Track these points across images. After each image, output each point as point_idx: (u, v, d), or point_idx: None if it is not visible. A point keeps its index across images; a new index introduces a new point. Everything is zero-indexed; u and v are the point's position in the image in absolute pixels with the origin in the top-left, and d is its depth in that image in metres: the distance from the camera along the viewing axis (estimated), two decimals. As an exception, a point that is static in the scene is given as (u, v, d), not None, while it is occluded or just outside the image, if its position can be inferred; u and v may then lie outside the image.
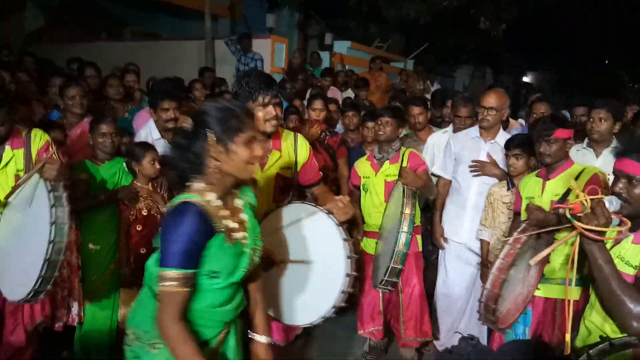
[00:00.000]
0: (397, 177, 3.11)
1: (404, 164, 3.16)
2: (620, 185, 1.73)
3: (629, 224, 1.67)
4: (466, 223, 3.31)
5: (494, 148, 3.26)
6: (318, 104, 4.27)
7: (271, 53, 8.05)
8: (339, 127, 5.08)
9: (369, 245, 3.31)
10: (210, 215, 1.58)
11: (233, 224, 1.65)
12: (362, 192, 3.32)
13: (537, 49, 15.27)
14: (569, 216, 1.63)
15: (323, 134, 4.16)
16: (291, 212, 2.35)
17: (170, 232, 1.53)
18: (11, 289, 2.34)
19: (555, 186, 2.65)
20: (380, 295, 3.22)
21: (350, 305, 2.87)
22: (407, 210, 2.70)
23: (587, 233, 1.58)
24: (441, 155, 3.58)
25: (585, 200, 1.60)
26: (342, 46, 10.05)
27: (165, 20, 11.30)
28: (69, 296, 2.92)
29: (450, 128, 3.86)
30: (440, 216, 3.50)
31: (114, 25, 11.10)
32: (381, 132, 3.23)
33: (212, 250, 1.59)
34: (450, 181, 3.44)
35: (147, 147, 3.10)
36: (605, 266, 1.62)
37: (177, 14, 11.00)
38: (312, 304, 2.25)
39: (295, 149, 2.57)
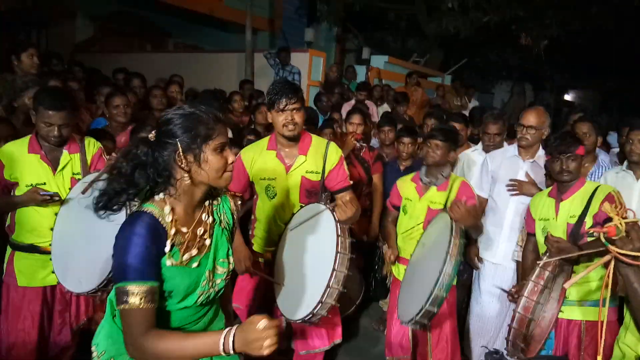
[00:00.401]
0: (442, 206, 2.90)
1: (453, 194, 2.92)
2: None
3: None
4: (502, 243, 3.23)
5: (532, 167, 3.19)
6: (356, 118, 4.27)
7: (309, 66, 8.15)
8: (374, 142, 5.08)
9: (399, 271, 3.10)
10: (165, 227, 1.46)
11: (186, 243, 1.51)
12: (401, 214, 3.11)
13: (580, 66, 14.89)
14: (603, 240, 1.61)
15: (359, 145, 4.15)
16: (306, 211, 2.51)
17: (124, 244, 1.39)
18: (64, 276, 2.41)
19: (570, 207, 2.59)
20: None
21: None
22: (455, 251, 2.36)
23: (622, 257, 1.55)
24: (476, 173, 3.52)
25: (620, 223, 1.58)
26: (379, 60, 10.08)
27: (207, 32, 11.63)
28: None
29: (479, 145, 3.79)
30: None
31: (158, 36, 11.50)
32: (430, 156, 2.97)
33: (164, 267, 1.46)
34: (487, 200, 3.38)
35: None
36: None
37: (218, 27, 11.31)
38: (306, 298, 2.31)
39: (325, 155, 2.66)
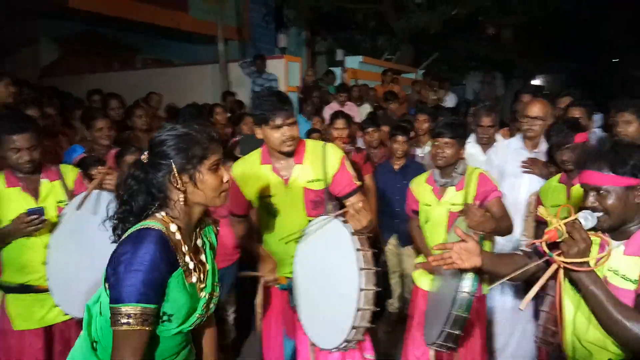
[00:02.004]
0: (462, 207, 2.64)
1: (472, 191, 2.66)
2: (591, 198, 1.64)
3: (611, 244, 1.61)
4: (515, 237, 3.20)
5: (538, 158, 3.18)
6: (340, 123, 4.21)
7: (285, 73, 8.08)
8: (360, 143, 5.04)
9: (423, 279, 2.84)
10: (173, 245, 1.41)
11: (192, 263, 1.47)
12: (422, 222, 2.87)
13: (545, 51, 15.22)
14: (546, 250, 1.56)
15: (347, 148, 4.11)
16: (315, 227, 2.28)
17: (127, 261, 1.32)
18: (71, 305, 2.35)
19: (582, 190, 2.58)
20: None
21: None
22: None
23: (569, 266, 1.51)
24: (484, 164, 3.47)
25: (560, 225, 1.53)
26: (354, 61, 10.10)
27: (175, 46, 11.45)
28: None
29: (472, 138, 3.77)
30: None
31: (126, 54, 11.26)
32: (440, 157, 2.70)
33: (169, 288, 1.40)
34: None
35: None
36: (597, 292, 1.53)
37: (186, 39, 11.15)
38: (336, 325, 2.13)
39: (324, 159, 2.42)
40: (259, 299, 2.57)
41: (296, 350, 2.52)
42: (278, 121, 2.26)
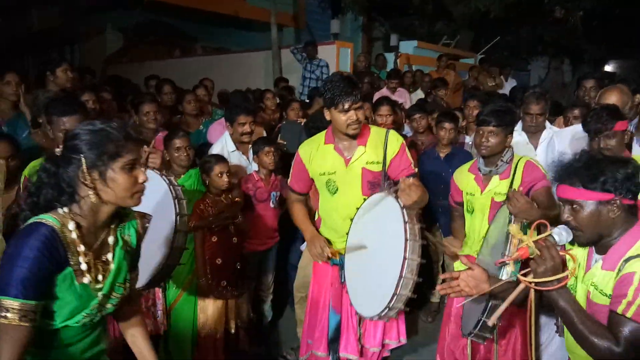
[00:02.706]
0: (506, 196, 2.54)
1: (517, 180, 2.57)
2: (566, 213, 1.62)
3: (575, 260, 1.64)
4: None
5: None
6: (384, 109, 4.17)
7: (336, 58, 8.05)
8: (407, 130, 4.96)
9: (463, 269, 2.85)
10: (65, 243, 1.38)
11: (84, 264, 1.42)
12: (466, 213, 2.80)
13: (618, 36, 14.17)
14: (512, 270, 1.59)
15: None
16: (369, 203, 2.44)
17: (12, 255, 1.31)
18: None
19: None
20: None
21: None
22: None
23: (536, 287, 1.53)
24: (541, 152, 3.29)
25: (529, 243, 1.54)
26: (408, 46, 9.87)
27: (233, 33, 11.69)
28: (153, 306, 3.04)
29: (519, 126, 3.56)
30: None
31: (186, 42, 11.63)
32: (485, 146, 2.58)
33: (56, 285, 1.38)
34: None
35: (217, 159, 3.11)
36: (567, 308, 1.55)
37: (243, 27, 11.35)
38: (379, 293, 2.22)
39: (385, 144, 2.56)
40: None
41: (341, 325, 2.67)
42: (345, 105, 2.42)
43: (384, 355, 2.85)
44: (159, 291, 3.01)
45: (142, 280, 2.37)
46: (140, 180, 1.46)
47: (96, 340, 1.57)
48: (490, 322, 1.70)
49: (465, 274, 1.79)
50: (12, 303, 1.29)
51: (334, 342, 2.68)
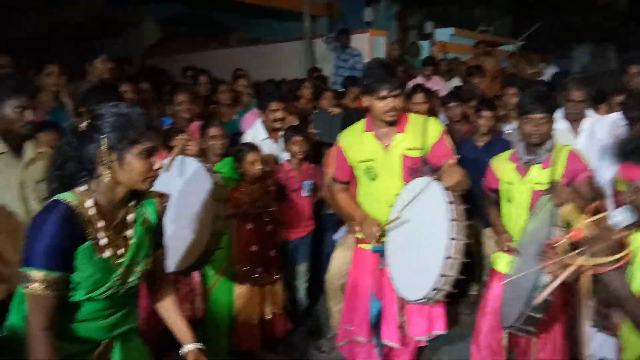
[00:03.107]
0: (548, 186, 2.50)
1: (560, 169, 2.51)
2: (629, 193, 1.54)
3: (632, 245, 1.54)
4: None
5: None
6: (418, 97, 4.10)
7: (370, 47, 7.97)
8: (442, 118, 4.86)
9: (501, 260, 2.73)
10: (82, 219, 1.46)
11: (104, 239, 1.50)
12: (503, 202, 2.74)
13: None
14: (564, 250, 1.52)
15: None
16: (410, 188, 2.44)
17: (34, 229, 1.42)
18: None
19: None
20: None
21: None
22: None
23: (591, 269, 1.47)
24: (581, 141, 3.18)
25: (585, 224, 1.48)
26: (444, 33, 9.68)
27: (267, 23, 11.70)
28: (191, 291, 3.10)
29: (559, 113, 3.43)
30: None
31: (222, 33, 11.73)
32: (534, 136, 2.50)
33: (77, 259, 1.46)
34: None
35: (250, 147, 3.14)
36: (620, 291, 1.49)
37: (277, 17, 11.34)
38: (425, 275, 2.20)
39: (425, 130, 2.56)
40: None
41: (383, 311, 2.67)
42: (383, 92, 2.42)
43: (420, 345, 2.83)
44: (196, 276, 3.07)
45: (181, 265, 2.42)
46: (156, 167, 1.52)
47: (125, 318, 1.64)
48: (541, 299, 1.65)
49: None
50: (37, 274, 1.39)
51: (376, 327, 2.69)
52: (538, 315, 2.01)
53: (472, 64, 7.33)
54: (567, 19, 12.17)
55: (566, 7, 11.49)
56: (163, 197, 1.74)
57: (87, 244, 1.47)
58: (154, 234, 1.70)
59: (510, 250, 2.63)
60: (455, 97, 4.45)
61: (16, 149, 2.37)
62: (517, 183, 2.62)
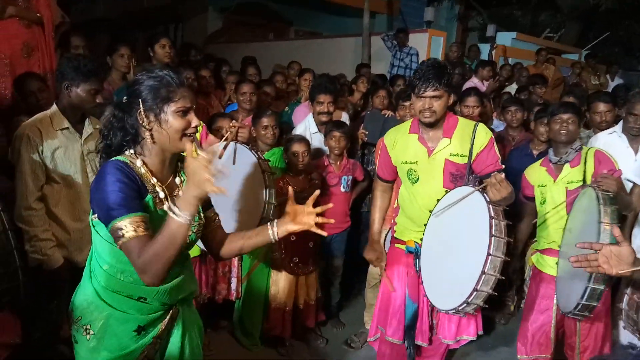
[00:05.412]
0: (580, 184, 2.64)
1: (590, 167, 2.65)
2: None
3: None
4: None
5: None
6: (471, 100, 4.01)
7: (428, 47, 7.87)
8: (496, 123, 4.77)
9: (545, 263, 2.83)
10: (139, 174, 1.51)
11: (162, 193, 1.55)
12: (538, 204, 2.86)
13: None
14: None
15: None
16: (452, 195, 2.40)
17: (100, 190, 1.44)
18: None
19: None
20: (554, 319, 2.77)
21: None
22: (607, 219, 2.11)
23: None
24: (629, 157, 3.08)
25: None
26: (506, 37, 9.38)
27: (326, 18, 11.78)
28: (229, 273, 3.23)
29: (618, 127, 3.30)
30: (630, 231, 2.99)
31: (281, 25, 11.91)
32: (563, 134, 2.72)
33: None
34: None
35: (297, 139, 3.22)
36: None
37: (337, 12, 11.40)
38: (458, 287, 2.20)
39: (472, 138, 2.50)
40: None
41: (417, 314, 2.68)
42: (422, 91, 2.41)
43: (452, 347, 2.83)
44: (235, 259, 3.19)
45: None
46: (193, 124, 1.55)
47: (185, 283, 1.67)
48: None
49: (609, 249, 1.59)
50: (122, 222, 1.40)
51: (410, 330, 2.70)
52: (601, 287, 2.11)
53: (534, 71, 7.11)
54: (638, 30, 11.52)
55: (637, 17, 10.87)
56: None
57: (148, 196, 1.52)
58: None
59: (552, 252, 2.74)
60: (517, 101, 4.36)
61: (76, 124, 2.57)
62: (549, 184, 2.78)
